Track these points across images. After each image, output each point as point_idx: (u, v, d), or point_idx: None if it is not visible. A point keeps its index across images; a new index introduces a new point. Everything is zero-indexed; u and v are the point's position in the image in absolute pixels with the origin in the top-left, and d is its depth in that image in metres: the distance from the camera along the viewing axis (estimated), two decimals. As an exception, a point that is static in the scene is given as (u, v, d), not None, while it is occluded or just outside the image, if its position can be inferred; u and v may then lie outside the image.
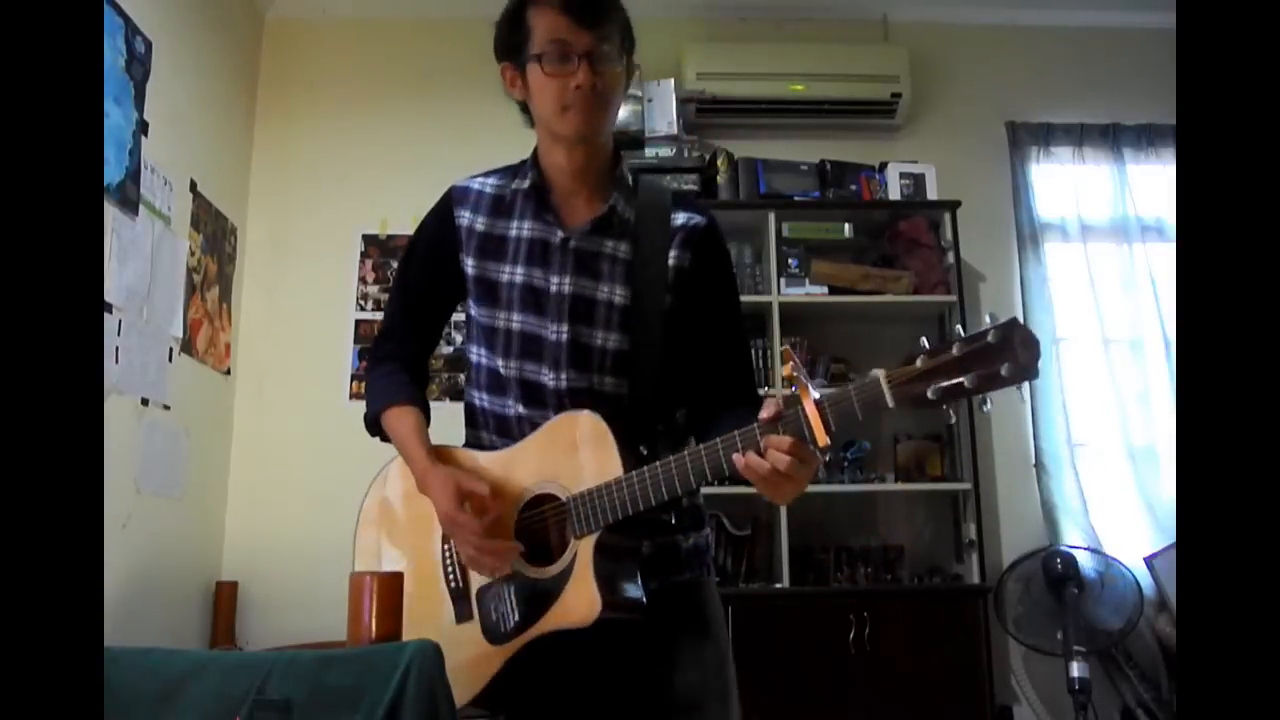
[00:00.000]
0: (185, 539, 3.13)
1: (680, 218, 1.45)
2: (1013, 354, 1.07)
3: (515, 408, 1.43)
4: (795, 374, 1.21)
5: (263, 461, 3.48)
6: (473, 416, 1.51)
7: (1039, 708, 3.33)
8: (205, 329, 3.27)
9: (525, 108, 1.44)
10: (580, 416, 1.35)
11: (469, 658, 1.36)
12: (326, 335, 3.59)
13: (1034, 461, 3.48)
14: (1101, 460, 3.50)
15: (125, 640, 2.24)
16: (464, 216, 1.47)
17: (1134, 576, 3.11)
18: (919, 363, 1.12)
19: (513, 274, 1.43)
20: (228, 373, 3.46)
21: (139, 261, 2.79)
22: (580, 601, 1.28)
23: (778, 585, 3.18)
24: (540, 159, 1.45)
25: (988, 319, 1.11)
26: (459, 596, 1.41)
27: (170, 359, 2.99)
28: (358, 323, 3.60)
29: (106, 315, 2.61)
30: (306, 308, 3.62)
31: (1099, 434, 3.51)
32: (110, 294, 2.63)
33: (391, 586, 1.37)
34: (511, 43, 1.39)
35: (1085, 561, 3.11)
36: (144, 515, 2.81)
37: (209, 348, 3.29)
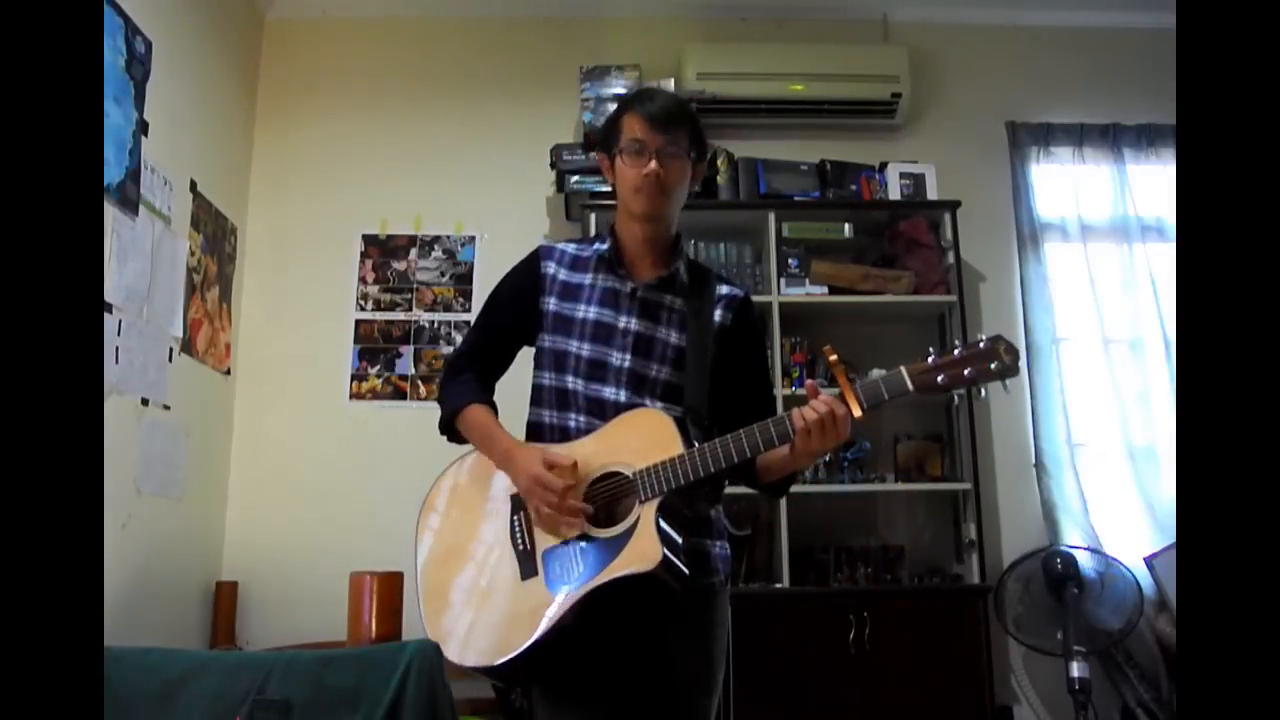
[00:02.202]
0: (185, 539, 3.13)
1: (723, 289, 1.81)
2: (999, 356, 1.51)
3: (578, 419, 1.70)
4: (836, 361, 1.54)
5: (263, 461, 3.48)
6: (537, 432, 1.75)
7: (1039, 708, 3.33)
8: (205, 329, 3.27)
9: (613, 188, 1.81)
10: (644, 409, 1.65)
11: (532, 607, 1.58)
12: (326, 335, 3.59)
13: (1034, 461, 3.47)
14: (1101, 460, 3.50)
15: (125, 640, 2.25)
16: (550, 266, 1.80)
17: (1134, 576, 3.11)
18: (930, 359, 1.54)
19: (586, 312, 1.75)
20: (228, 373, 3.46)
21: (139, 261, 2.79)
22: (644, 550, 1.53)
23: (778, 585, 3.18)
24: (617, 229, 1.80)
25: (981, 336, 1.53)
26: (525, 557, 1.64)
27: (170, 359, 2.99)
28: (358, 323, 3.60)
29: (106, 315, 2.61)
30: (306, 308, 3.62)
31: (1099, 434, 3.51)
32: (110, 294, 2.63)
33: (391, 586, 1.37)
34: (607, 138, 1.77)
35: (1085, 561, 3.10)
36: (144, 515, 2.81)
37: (209, 348, 3.29)
